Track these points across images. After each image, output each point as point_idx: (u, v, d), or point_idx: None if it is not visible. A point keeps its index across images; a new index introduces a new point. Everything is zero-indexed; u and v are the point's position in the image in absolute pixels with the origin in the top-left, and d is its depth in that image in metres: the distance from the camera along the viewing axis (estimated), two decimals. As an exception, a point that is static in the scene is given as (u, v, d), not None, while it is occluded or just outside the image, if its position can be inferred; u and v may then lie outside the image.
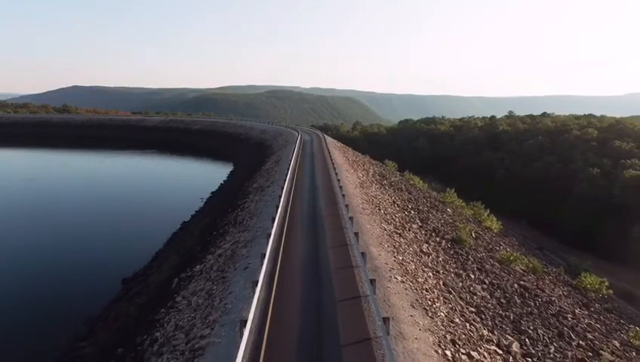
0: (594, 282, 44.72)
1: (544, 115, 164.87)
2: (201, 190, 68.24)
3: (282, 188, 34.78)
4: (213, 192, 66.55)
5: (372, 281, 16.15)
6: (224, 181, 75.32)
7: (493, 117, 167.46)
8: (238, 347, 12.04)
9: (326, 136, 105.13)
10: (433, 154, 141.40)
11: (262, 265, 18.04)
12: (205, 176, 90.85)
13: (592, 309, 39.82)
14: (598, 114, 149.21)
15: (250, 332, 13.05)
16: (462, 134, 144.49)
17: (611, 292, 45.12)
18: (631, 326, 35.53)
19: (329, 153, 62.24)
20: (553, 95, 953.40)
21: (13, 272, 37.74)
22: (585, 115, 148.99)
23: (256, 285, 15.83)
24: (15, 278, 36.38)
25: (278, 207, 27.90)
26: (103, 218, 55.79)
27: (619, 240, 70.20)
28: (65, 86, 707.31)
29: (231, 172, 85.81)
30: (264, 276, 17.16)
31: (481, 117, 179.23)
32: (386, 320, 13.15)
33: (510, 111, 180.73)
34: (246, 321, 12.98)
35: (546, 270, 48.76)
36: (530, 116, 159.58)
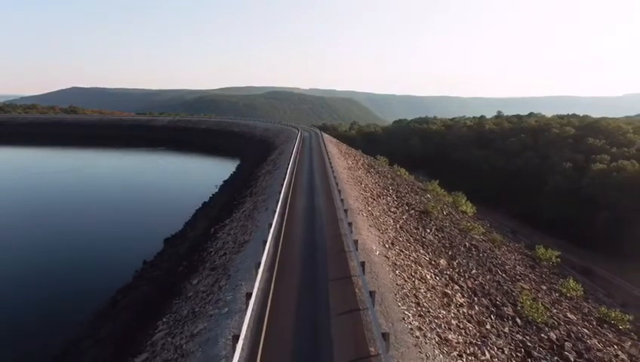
0: (545, 253, 53.29)
1: (531, 115, 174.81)
2: (214, 179, 78.61)
3: (286, 169, 45.02)
4: (225, 181, 76.94)
5: (345, 211, 26.47)
6: (234, 172, 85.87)
7: (482, 117, 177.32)
8: (268, 234, 22.22)
9: (323, 133, 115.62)
10: (425, 151, 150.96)
11: (276, 206, 28.26)
12: (216, 169, 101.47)
13: (536, 270, 49.19)
14: (596, 114, 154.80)
15: (274, 229, 23.31)
16: (452, 133, 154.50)
17: (559, 260, 53.98)
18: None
19: (325, 146, 72.81)
20: (553, 95, 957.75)
21: (86, 238, 48.65)
22: (568, 114, 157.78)
23: (275, 213, 26.09)
24: (87, 242, 47.27)
25: (284, 179, 38.15)
26: (131, 203, 66.40)
27: (587, 227, 79.20)
28: (64, 87, 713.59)
29: (239, 165, 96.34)
30: (279, 209, 27.44)
31: (471, 117, 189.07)
32: (350, 224, 23.45)
33: (499, 112, 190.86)
34: (272, 224, 23.28)
35: (507, 243, 58.06)
36: (517, 116, 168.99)
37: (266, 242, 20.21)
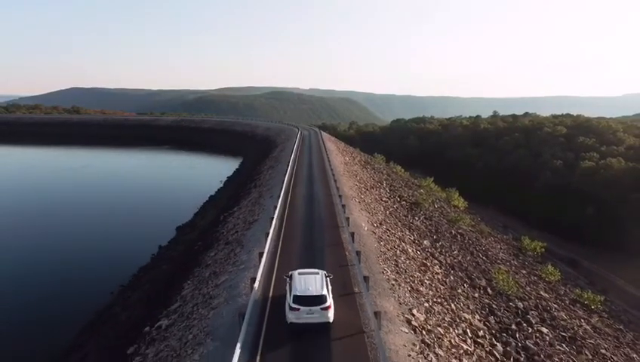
0: (530, 243, 56.58)
1: (526, 114, 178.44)
2: (219, 175, 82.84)
3: (288, 164, 49.18)
4: (229, 177, 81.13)
5: (340, 197, 30.61)
6: (237, 168, 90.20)
7: (478, 116, 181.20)
8: (274, 213, 26.29)
9: (322, 132, 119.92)
10: (422, 150, 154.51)
11: (280, 193, 32.39)
12: (220, 166, 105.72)
13: (520, 258, 52.73)
14: (595, 114, 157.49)
15: (279, 209, 27.49)
16: (448, 132, 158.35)
17: (543, 250, 57.35)
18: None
19: (323, 143, 77.05)
20: (552, 95, 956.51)
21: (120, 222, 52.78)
22: (562, 114, 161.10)
23: (279, 198, 30.21)
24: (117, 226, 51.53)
25: (286, 172, 42.32)
26: (140, 198, 70.65)
27: (576, 222, 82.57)
28: (64, 87, 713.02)
29: (242, 162, 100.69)
30: (282, 196, 31.61)
31: (468, 116, 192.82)
32: (344, 206, 27.55)
33: (495, 112, 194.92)
34: (276, 206, 27.41)
35: (495, 235, 61.50)
36: (512, 116, 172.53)
37: (272, 219, 24.30)
